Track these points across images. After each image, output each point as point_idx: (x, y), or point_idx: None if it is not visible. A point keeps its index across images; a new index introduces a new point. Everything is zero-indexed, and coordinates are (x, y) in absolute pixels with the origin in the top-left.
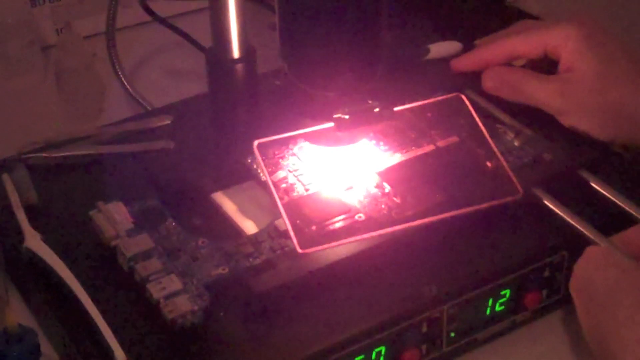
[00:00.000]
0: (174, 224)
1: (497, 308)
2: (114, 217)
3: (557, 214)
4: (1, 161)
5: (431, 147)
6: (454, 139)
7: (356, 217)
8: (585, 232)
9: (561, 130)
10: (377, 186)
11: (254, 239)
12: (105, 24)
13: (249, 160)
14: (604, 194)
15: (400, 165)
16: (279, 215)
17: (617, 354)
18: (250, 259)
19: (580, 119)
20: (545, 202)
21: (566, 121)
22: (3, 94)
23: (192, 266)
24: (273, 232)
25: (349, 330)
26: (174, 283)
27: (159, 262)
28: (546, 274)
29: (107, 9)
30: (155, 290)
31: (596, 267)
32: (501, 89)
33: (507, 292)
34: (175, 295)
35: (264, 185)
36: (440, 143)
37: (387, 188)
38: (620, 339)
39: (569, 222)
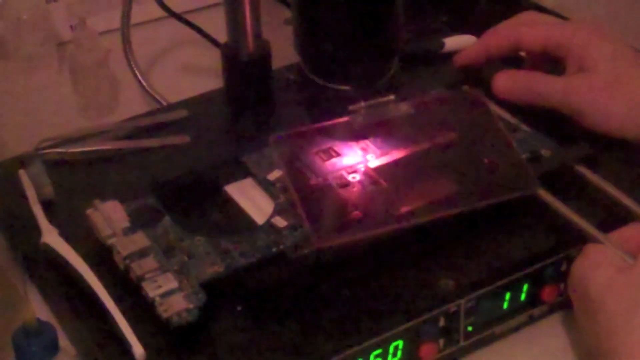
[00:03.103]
0: (170, 222)
1: (515, 302)
2: (110, 216)
3: (555, 210)
4: (18, 157)
5: (447, 140)
6: (469, 131)
7: (371, 211)
8: (583, 228)
9: (559, 127)
10: (390, 180)
11: (250, 237)
12: (120, 20)
13: (245, 158)
14: (602, 190)
15: (416, 159)
16: (276, 213)
17: (612, 355)
18: (247, 257)
19: (599, 118)
20: (543, 198)
21: (584, 121)
22: (19, 90)
23: (188, 264)
24: (270, 230)
25: (366, 325)
26: (169, 281)
27: (155, 261)
28: (563, 267)
29: (121, 4)
30: (151, 289)
31: (592, 266)
32: (513, 92)
33: (525, 285)
34: (170, 294)
35: (261, 182)
36: (456, 136)
37: (401, 182)
38: (615, 340)
39: (566, 219)
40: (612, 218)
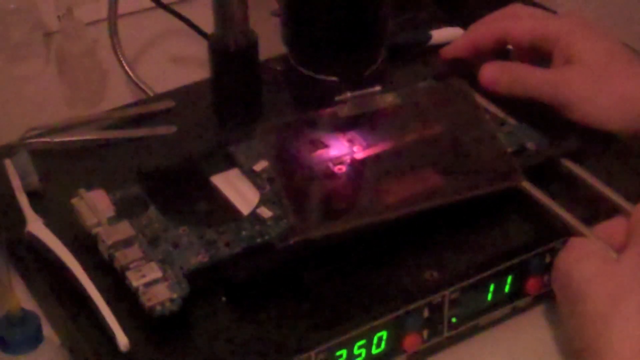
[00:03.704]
0: (155, 211)
1: (499, 294)
2: (95, 205)
3: (540, 203)
4: (3, 146)
5: (432, 132)
6: (455, 123)
7: (356, 202)
8: (567, 221)
9: (546, 120)
10: (375, 171)
11: (235, 227)
12: (107, 10)
13: (232, 149)
14: (587, 184)
15: (402, 150)
16: (262, 204)
17: (595, 347)
18: (231, 247)
19: (585, 110)
20: (529, 191)
21: (570, 114)
22: (5, 79)
23: (173, 254)
24: (255, 221)
25: (350, 316)
26: (153, 271)
27: (140, 250)
28: (548, 259)
29: None
30: (135, 278)
31: (576, 259)
32: (500, 84)
33: (509, 277)
34: (154, 284)
35: (247, 173)
36: (442, 127)
37: (386, 173)
38: (597, 332)
39: (551, 212)
40: (597, 212)
